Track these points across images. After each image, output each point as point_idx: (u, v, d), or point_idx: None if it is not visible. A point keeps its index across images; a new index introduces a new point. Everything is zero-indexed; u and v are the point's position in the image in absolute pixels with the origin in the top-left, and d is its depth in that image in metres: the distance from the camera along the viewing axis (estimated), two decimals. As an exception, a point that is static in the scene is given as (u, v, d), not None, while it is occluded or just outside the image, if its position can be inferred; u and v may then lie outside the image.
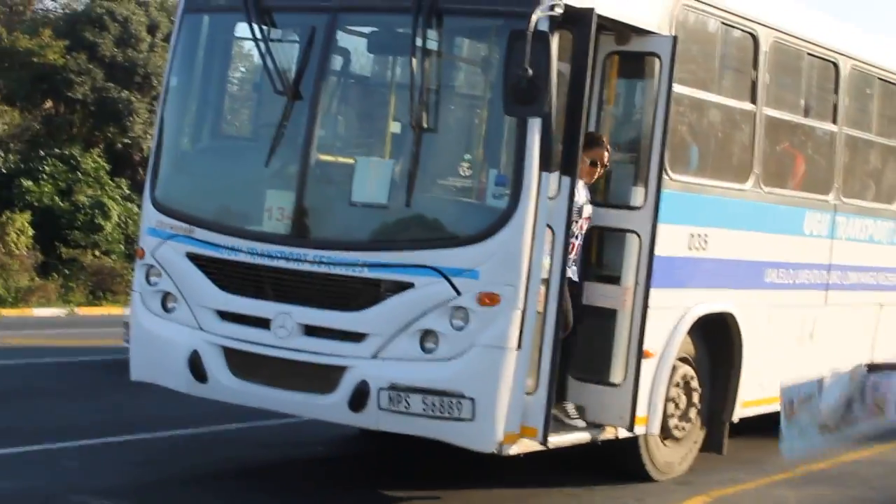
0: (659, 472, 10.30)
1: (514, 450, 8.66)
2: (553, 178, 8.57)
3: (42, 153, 30.40)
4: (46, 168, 29.86)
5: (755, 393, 11.01)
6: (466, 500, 9.45)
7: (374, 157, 9.45)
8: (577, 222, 8.99)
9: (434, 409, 8.48)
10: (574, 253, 9.11)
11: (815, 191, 11.82)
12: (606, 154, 9.33)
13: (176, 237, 9.44)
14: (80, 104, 31.89)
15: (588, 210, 9.28)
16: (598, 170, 9.32)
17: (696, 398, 10.42)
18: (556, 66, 8.36)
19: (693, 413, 10.45)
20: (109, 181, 30.94)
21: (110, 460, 10.24)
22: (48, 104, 32.79)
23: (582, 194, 9.13)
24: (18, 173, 29.70)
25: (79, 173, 30.33)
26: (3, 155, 29.85)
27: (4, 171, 29.76)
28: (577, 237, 9.10)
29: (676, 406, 10.20)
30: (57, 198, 29.57)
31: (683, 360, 10.23)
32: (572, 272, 9.10)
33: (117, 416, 12.04)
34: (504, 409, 8.46)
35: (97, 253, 29.30)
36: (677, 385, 10.15)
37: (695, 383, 10.38)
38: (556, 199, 8.64)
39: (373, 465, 10.67)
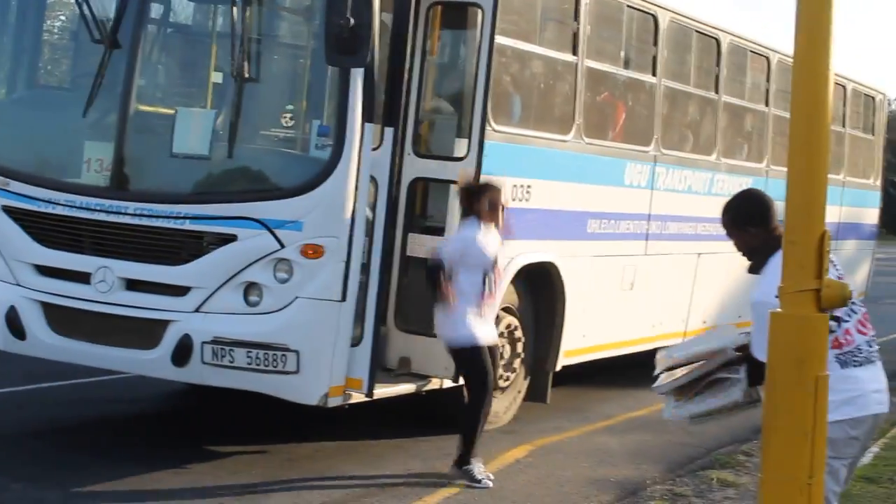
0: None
1: (338, 402, 8.67)
2: (376, 129, 8.56)
3: None
4: None
5: (578, 342, 11.18)
6: (292, 453, 9.40)
7: (196, 108, 9.34)
8: (487, 274, 8.76)
9: (258, 363, 8.44)
10: (489, 309, 8.85)
11: (635, 142, 11.99)
12: (502, 195, 8.90)
13: None
14: None
15: (500, 260, 8.97)
16: (500, 212, 8.90)
17: (519, 348, 10.53)
18: (379, 16, 8.33)
19: (517, 362, 10.56)
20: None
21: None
22: None
23: (491, 240, 8.81)
24: None
25: None
26: None
27: None
28: (488, 290, 8.77)
29: (500, 356, 10.29)
30: None
31: (507, 309, 10.31)
32: (491, 332, 8.95)
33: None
34: (328, 361, 8.46)
35: None
36: (501, 335, 10.23)
37: (518, 333, 10.48)
38: (379, 149, 8.64)
39: (199, 421, 10.55)
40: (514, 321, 10.43)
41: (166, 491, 8.28)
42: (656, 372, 6.37)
